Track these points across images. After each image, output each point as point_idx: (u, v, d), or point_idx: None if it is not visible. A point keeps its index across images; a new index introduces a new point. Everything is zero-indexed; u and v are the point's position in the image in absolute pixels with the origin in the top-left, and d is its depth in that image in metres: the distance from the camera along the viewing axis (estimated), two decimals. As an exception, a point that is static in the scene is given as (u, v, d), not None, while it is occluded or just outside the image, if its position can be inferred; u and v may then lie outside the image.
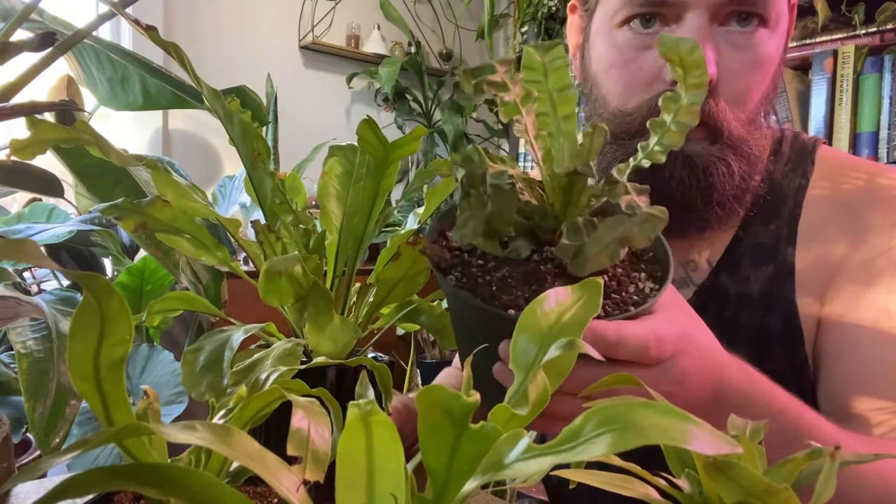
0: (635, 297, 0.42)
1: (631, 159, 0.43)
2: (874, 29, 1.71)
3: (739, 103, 0.61)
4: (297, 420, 0.26)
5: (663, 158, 0.42)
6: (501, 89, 0.40)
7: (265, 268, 0.45)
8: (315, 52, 2.78)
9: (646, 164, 0.42)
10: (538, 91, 0.42)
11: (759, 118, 0.63)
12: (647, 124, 0.42)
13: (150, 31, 0.46)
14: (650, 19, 0.60)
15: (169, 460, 0.33)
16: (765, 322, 0.64)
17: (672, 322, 0.42)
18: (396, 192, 2.56)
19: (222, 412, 0.36)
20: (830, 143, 1.75)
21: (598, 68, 0.65)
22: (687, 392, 0.43)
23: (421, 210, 0.61)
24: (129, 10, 0.51)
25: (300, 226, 0.53)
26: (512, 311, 0.40)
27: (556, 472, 0.25)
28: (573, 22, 0.72)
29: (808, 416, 0.49)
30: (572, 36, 0.72)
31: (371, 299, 0.56)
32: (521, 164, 2.47)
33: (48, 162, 0.55)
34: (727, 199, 0.62)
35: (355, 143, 0.54)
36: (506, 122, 2.87)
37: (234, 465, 0.37)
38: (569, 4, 0.72)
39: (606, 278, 0.42)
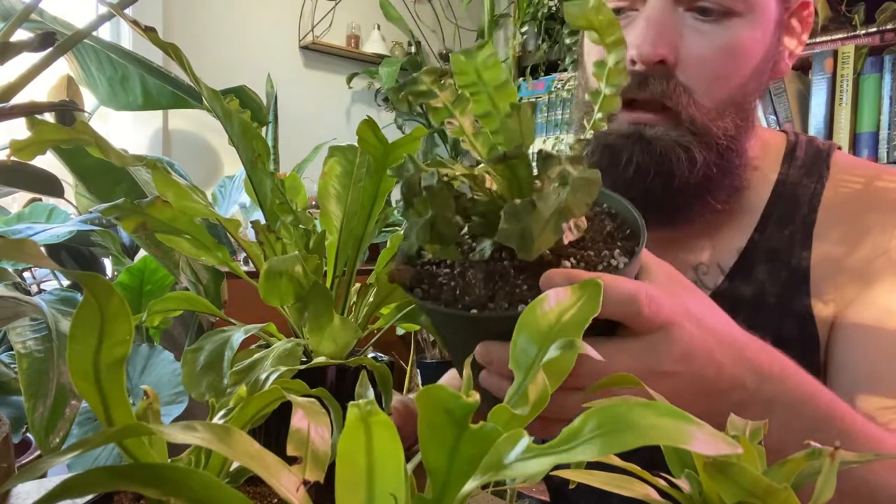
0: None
1: (574, 136, 0.43)
2: (874, 29, 1.71)
3: (705, 91, 0.60)
4: (297, 420, 0.26)
5: (605, 125, 0.42)
6: (428, 97, 0.39)
7: (265, 268, 0.44)
8: (315, 52, 2.78)
9: (590, 134, 0.42)
10: (476, 93, 0.42)
11: (735, 110, 0.62)
12: (586, 95, 0.43)
13: (149, 32, 0.46)
14: (620, 11, 0.63)
15: (169, 460, 0.33)
16: (780, 328, 0.64)
17: (667, 291, 0.40)
18: (396, 192, 2.56)
19: (222, 412, 0.36)
20: (830, 143, 1.75)
21: (586, 54, 0.68)
22: (694, 371, 0.40)
23: None
24: (128, 11, 0.51)
25: (300, 226, 0.53)
26: (474, 311, 0.39)
27: (555, 473, 0.25)
28: None
29: (839, 405, 0.47)
30: None
31: (371, 299, 0.56)
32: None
33: (48, 162, 0.55)
34: (691, 188, 0.62)
35: (355, 144, 0.54)
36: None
37: (234, 465, 0.37)
38: None
39: (573, 262, 0.41)
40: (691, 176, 0.61)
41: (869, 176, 0.67)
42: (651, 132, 0.60)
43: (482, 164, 0.41)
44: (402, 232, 0.41)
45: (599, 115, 0.42)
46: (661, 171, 0.61)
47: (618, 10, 0.63)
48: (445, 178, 0.38)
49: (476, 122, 0.41)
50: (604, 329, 0.40)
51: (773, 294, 0.65)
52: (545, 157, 0.39)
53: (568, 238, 0.42)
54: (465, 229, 0.43)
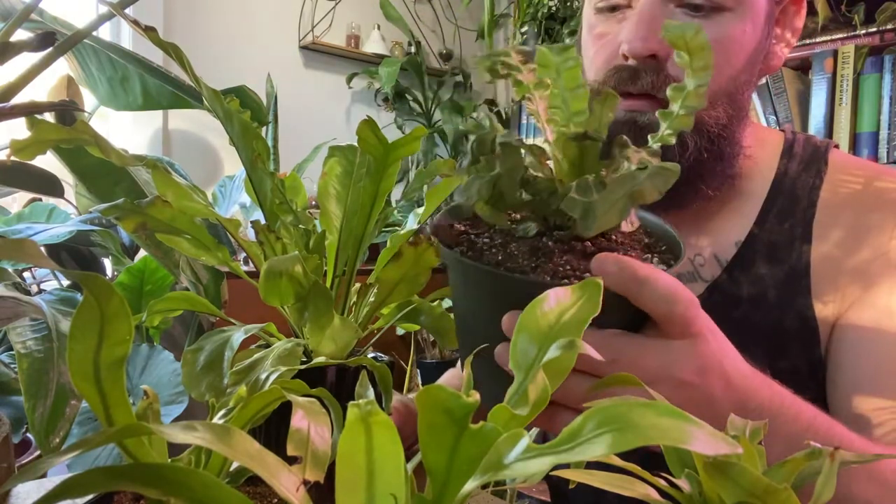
0: None
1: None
2: (874, 29, 1.71)
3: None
4: (297, 420, 0.26)
5: (673, 140, 0.43)
6: (515, 70, 0.41)
7: (265, 268, 0.44)
8: (315, 52, 2.78)
9: (657, 146, 0.43)
10: (551, 87, 0.44)
11: (727, 100, 0.63)
12: (657, 114, 0.44)
13: (149, 31, 0.46)
14: (616, 7, 0.65)
15: (169, 460, 0.33)
16: (780, 321, 0.64)
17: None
18: (396, 192, 2.57)
19: (222, 412, 0.36)
20: (830, 143, 1.74)
21: (584, 51, 0.70)
22: (707, 386, 0.41)
23: (421, 210, 0.61)
24: (128, 11, 0.51)
25: (300, 226, 0.53)
26: (517, 275, 0.39)
27: (555, 473, 0.25)
28: None
29: (837, 430, 0.48)
30: None
31: (371, 299, 0.56)
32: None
33: (48, 162, 0.55)
34: (682, 173, 0.62)
35: (355, 144, 0.54)
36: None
37: (235, 464, 0.37)
38: None
39: None
40: (683, 161, 0.62)
41: (867, 176, 0.67)
42: (643, 119, 0.62)
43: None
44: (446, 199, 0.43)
45: (669, 130, 0.43)
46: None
47: (613, 7, 0.65)
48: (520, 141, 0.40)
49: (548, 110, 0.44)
50: (629, 324, 0.41)
51: (773, 288, 0.65)
52: (623, 144, 0.41)
53: (625, 228, 0.44)
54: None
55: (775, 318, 0.64)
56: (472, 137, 0.41)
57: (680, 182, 0.63)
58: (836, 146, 0.71)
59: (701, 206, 0.66)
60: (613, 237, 0.44)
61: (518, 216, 0.45)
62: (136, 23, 0.46)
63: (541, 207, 0.42)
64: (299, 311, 0.49)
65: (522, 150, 0.41)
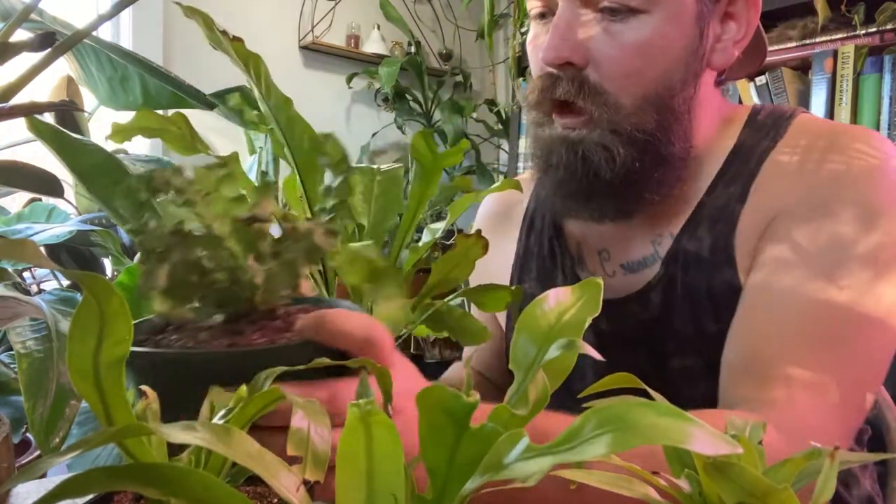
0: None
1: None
2: (874, 29, 1.71)
3: (619, 89, 0.62)
4: (297, 420, 0.26)
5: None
6: (181, 191, 0.43)
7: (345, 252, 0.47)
8: (315, 52, 2.78)
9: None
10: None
11: (657, 104, 0.63)
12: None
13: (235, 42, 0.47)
14: (544, 15, 0.67)
15: (169, 460, 0.33)
16: (713, 283, 0.64)
17: None
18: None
19: (222, 412, 0.36)
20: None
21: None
22: (412, 409, 0.38)
23: (439, 225, 0.65)
24: (128, 11, 0.51)
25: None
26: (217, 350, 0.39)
27: (555, 472, 0.25)
28: None
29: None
30: None
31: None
32: (519, 164, 2.47)
33: (48, 162, 0.55)
34: (615, 187, 0.63)
35: (362, 152, 0.56)
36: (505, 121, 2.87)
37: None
38: None
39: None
40: (614, 175, 0.62)
41: (823, 135, 0.64)
42: (575, 135, 0.63)
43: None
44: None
45: None
46: (587, 172, 0.63)
47: (542, 14, 0.67)
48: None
49: None
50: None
51: (708, 249, 0.64)
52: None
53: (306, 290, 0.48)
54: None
55: (708, 282, 0.64)
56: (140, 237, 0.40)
57: (616, 194, 0.64)
58: (806, 112, 0.68)
59: (645, 209, 0.66)
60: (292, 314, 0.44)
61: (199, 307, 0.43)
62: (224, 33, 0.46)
63: (224, 295, 0.41)
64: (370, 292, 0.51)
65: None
